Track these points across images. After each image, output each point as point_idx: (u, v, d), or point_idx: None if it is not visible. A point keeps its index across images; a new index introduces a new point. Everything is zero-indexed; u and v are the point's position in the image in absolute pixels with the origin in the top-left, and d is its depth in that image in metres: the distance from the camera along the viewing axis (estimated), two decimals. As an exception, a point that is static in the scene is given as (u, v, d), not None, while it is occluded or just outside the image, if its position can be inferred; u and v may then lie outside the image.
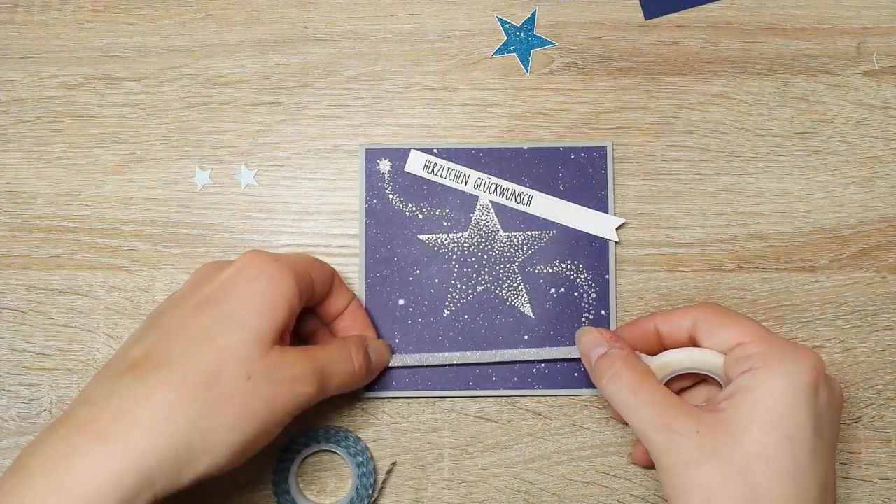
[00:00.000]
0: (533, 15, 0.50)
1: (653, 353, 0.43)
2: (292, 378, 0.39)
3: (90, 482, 0.34)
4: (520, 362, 0.48)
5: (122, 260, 0.49)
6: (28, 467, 0.35)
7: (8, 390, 0.49)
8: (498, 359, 0.48)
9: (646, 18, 0.50)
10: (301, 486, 0.48)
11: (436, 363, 0.48)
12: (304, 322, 0.46)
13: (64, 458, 0.34)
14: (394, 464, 0.48)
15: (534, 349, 0.48)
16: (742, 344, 0.40)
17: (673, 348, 0.43)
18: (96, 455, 0.34)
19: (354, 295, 0.47)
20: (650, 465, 0.47)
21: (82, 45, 0.51)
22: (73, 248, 0.49)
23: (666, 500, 0.46)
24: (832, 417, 0.39)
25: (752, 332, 0.40)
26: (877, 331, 0.48)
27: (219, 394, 0.37)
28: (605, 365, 0.42)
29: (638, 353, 0.43)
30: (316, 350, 0.42)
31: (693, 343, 0.42)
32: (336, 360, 0.42)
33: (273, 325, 0.39)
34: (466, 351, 0.48)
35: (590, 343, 0.44)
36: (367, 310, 0.48)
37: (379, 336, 0.48)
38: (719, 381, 0.42)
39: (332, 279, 0.45)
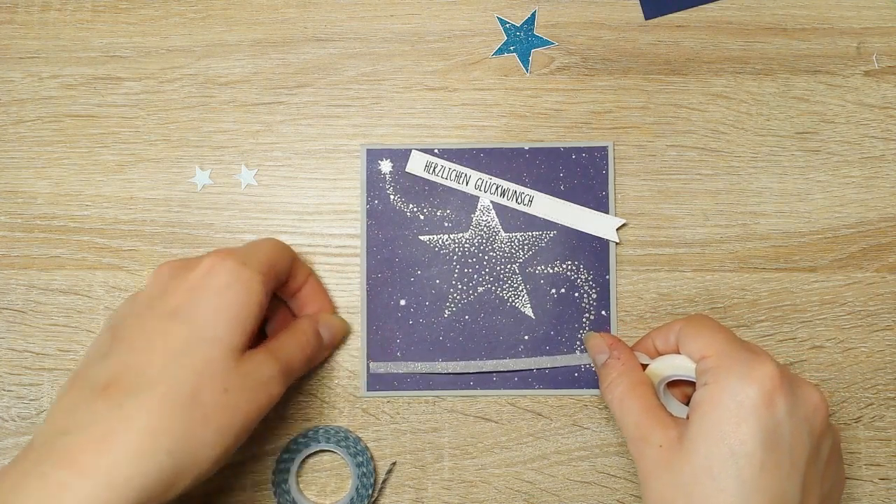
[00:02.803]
0: (533, 15, 0.50)
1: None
2: (264, 381, 0.40)
3: None
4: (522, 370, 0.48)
5: (122, 260, 0.49)
6: None
7: (8, 390, 0.49)
8: (500, 368, 0.48)
9: (646, 18, 0.50)
10: (301, 486, 0.48)
11: (440, 371, 0.48)
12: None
13: (52, 497, 0.34)
14: (394, 464, 0.48)
15: (534, 358, 0.48)
16: (704, 357, 0.40)
17: None
18: (85, 489, 0.34)
19: (311, 271, 0.48)
20: None
21: (82, 45, 0.50)
22: (73, 248, 0.49)
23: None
24: (796, 427, 0.38)
25: (714, 345, 0.40)
26: (877, 331, 0.49)
27: (199, 412, 0.37)
28: (605, 373, 0.43)
29: (641, 354, 0.44)
30: (276, 345, 0.42)
31: None
32: (293, 348, 0.43)
33: (245, 335, 0.39)
34: (468, 356, 0.48)
35: (594, 349, 0.45)
36: (369, 310, 0.48)
37: (378, 342, 0.48)
38: None
39: (292, 261, 0.45)
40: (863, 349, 0.48)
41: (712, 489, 0.37)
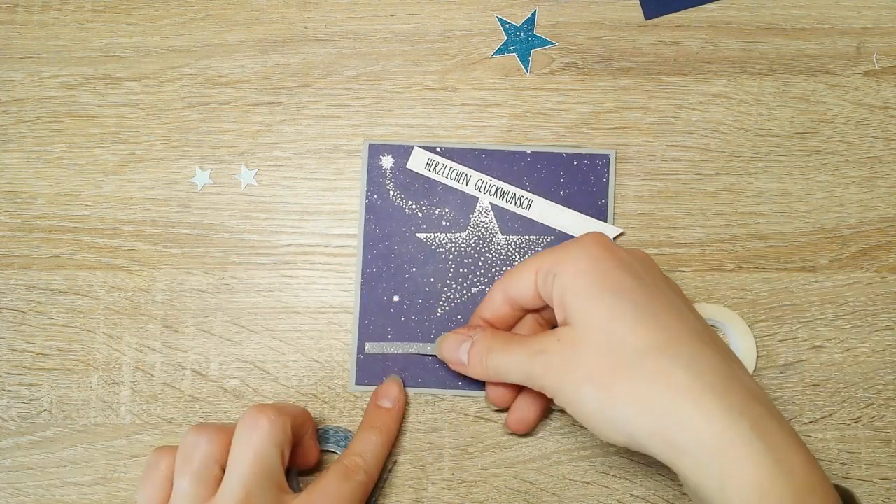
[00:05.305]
0: (533, 15, 0.50)
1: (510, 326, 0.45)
2: None
3: None
4: None
5: (122, 260, 0.49)
6: None
7: (8, 390, 0.49)
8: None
9: (646, 18, 0.50)
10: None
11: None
12: None
13: None
14: (394, 463, 0.48)
15: None
16: (539, 268, 0.41)
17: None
18: None
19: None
20: (503, 408, 0.47)
21: (82, 45, 0.51)
22: (73, 248, 0.49)
23: (664, 499, 0.47)
24: (648, 268, 0.41)
25: (545, 254, 0.42)
26: (877, 331, 0.48)
27: None
28: (476, 352, 0.43)
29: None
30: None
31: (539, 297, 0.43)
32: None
33: None
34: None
35: (455, 344, 0.45)
36: (362, 304, 0.48)
37: (370, 338, 0.48)
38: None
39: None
40: (863, 349, 0.48)
41: (624, 329, 0.38)
